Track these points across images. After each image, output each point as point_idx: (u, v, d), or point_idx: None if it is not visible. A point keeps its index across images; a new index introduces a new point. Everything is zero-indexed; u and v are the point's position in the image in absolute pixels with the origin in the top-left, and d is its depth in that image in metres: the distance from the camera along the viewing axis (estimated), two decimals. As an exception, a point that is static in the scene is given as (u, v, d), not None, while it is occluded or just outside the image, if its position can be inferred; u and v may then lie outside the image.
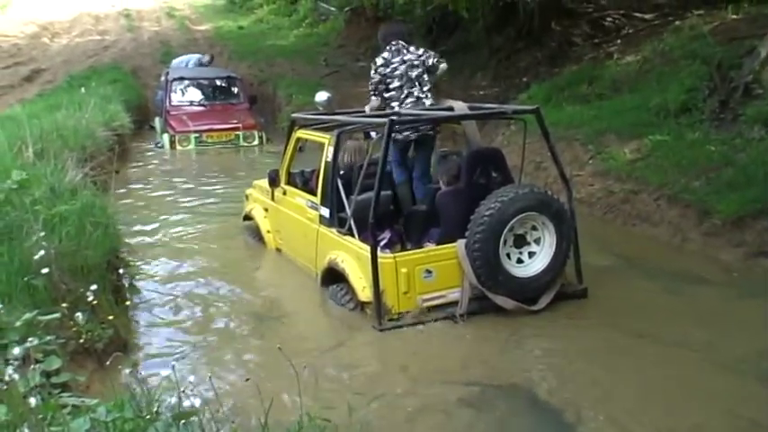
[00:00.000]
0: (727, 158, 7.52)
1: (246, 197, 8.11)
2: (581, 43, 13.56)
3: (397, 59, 6.54)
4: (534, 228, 5.57)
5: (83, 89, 13.93)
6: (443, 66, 6.81)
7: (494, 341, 5.20)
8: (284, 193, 7.05)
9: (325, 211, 6.13)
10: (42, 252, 4.47)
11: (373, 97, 6.73)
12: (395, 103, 6.53)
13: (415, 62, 6.56)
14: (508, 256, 5.50)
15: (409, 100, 6.51)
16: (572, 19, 14.35)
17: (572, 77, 11.74)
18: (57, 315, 4.07)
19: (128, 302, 5.75)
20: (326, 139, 6.26)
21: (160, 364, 4.86)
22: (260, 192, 7.72)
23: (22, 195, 5.56)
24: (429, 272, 5.46)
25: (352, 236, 5.76)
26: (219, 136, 14.31)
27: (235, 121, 14.44)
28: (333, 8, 25.34)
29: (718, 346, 4.94)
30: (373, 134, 7.01)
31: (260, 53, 22.13)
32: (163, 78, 15.86)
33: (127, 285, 6.00)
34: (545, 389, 4.50)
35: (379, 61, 6.60)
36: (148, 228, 8.56)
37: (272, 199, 7.29)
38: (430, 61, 6.68)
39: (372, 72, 6.65)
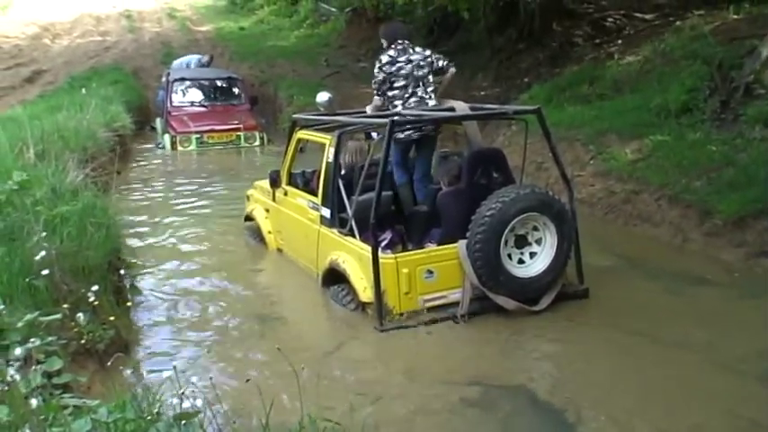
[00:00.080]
0: (728, 158, 7.52)
1: (247, 198, 8.11)
2: (582, 44, 13.57)
3: (404, 59, 6.50)
4: (535, 228, 5.57)
5: (84, 90, 13.95)
6: (453, 70, 6.79)
7: (495, 341, 5.20)
8: (285, 194, 7.05)
9: (327, 212, 6.13)
10: (43, 253, 4.47)
11: (376, 97, 6.66)
12: (398, 102, 6.50)
13: (422, 63, 6.53)
14: (509, 256, 5.50)
15: (413, 99, 6.49)
16: (573, 19, 14.37)
17: (573, 78, 11.74)
18: (58, 316, 4.07)
19: (129, 303, 5.75)
20: (327, 139, 6.26)
21: (161, 365, 4.86)
22: (261, 192, 7.72)
23: (23, 196, 5.56)
24: (430, 272, 5.46)
25: (354, 236, 5.76)
26: (220, 137, 14.32)
27: (236, 122, 14.44)
28: (334, 9, 25.36)
29: (719, 346, 4.94)
30: (374, 135, 7.01)
31: (261, 54, 22.14)
32: (164, 79, 15.87)
33: (128, 286, 6.01)
34: (546, 389, 4.50)
35: (385, 59, 6.52)
36: (149, 228, 8.57)
37: (273, 200, 7.29)
38: (440, 63, 6.66)
39: (376, 70, 6.56)
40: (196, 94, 15.48)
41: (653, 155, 8.23)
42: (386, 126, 5.50)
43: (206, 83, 15.82)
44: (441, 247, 5.65)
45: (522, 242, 5.57)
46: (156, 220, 8.98)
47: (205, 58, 17.51)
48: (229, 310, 5.99)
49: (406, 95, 6.48)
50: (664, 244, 7.25)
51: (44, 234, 4.86)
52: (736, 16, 10.92)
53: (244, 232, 8.13)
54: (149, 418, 2.88)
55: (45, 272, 4.38)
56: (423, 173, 6.70)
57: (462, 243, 5.43)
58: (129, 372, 4.18)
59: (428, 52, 6.66)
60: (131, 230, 7.99)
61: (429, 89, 6.57)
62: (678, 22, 11.71)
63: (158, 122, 15.02)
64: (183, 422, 2.85)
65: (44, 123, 9.38)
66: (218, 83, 16.00)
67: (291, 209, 6.90)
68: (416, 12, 17.66)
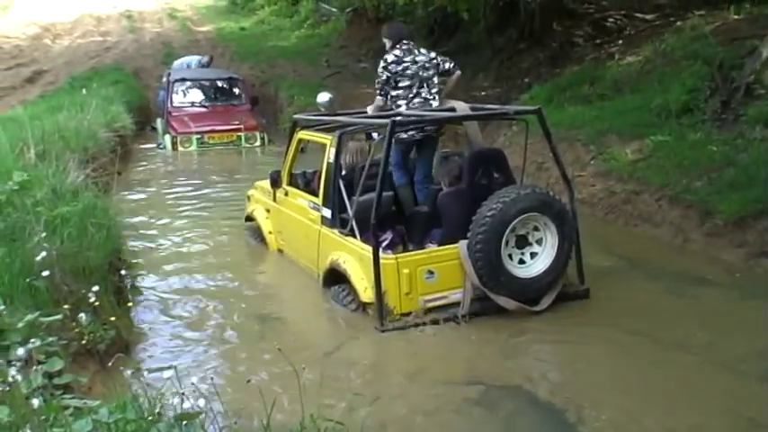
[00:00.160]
0: (728, 159, 7.52)
1: (248, 198, 8.11)
2: (582, 44, 13.57)
3: (409, 59, 6.48)
4: (536, 228, 5.57)
5: (84, 90, 13.95)
6: (458, 72, 6.80)
7: (496, 342, 5.20)
8: (286, 194, 7.06)
9: (327, 212, 6.13)
10: (44, 253, 4.47)
11: (378, 97, 6.63)
12: (401, 102, 6.48)
13: (427, 64, 6.52)
14: (510, 256, 5.50)
15: (417, 100, 6.48)
16: (573, 19, 14.37)
17: (573, 78, 11.75)
18: (59, 316, 4.07)
19: (130, 304, 5.75)
20: (328, 140, 6.26)
21: (162, 365, 4.87)
22: (262, 193, 7.72)
23: (23, 197, 5.57)
24: (431, 273, 5.46)
25: (354, 237, 5.76)
26: (221, 137, 14.31)
27: (236, 123, 14.43)
28: (334, 9, 25.36)
29: (719, 346, 4.94)
30: (375, 135, 7.01)
31: (261, 54, 22.14)
32: (164, 79, 15.85)
33: (129, 286, 6.01)
34: (547, 389, 4.50)
35: (390, 58, 6.49)
36: (150, 229, 8.57)
37: (274, 200, 7.29)
38: (446, 65, 6.65)
39: (380, 69, 6.53)
40: (197, 95, 15.46)
41: (653, 155, 8.23)
42: (387, 126, 5.50)
43: (207, 83, 15.80)
44: (441, 247, 5.64)
45: (522, 242, 5.57)
46: (157, 220, 8.99)
47: (205, 59, 17.51)
48: (230, 311, 5.99)
49: (411, 95, 6.47)
50: (664, 244, 7.25)
51: (45, 234, 4.86)
52: (736, 16, 10.92)
53: (244, 233, 8.13)
54: (150, 418, 2.88)
55: (46, 272, 4.37)
56: (424, 173, 6.69)
57: (463, 243, 5.43)
58: (129, 372, 4.18)
59: (433, 54, 6.66)
60: (132, 231, 7.99)
61: (433, 90, 6.56)
62: (679, 23, 11.70)
63: (159, 123, 15.01)
64: (185, 422, 2.85)
65: (45, 124, 9.39)
66: (219, 83, 15.99)
67: (292, 209, 6.90)
68: (417, 12, 17.66)
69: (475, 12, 14.50)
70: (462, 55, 14.91)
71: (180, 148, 14.02)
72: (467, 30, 16.58)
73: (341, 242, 5.87)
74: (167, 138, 14.18)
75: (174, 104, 14.94)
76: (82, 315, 4.19)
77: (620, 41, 12.78)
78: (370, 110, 6.81)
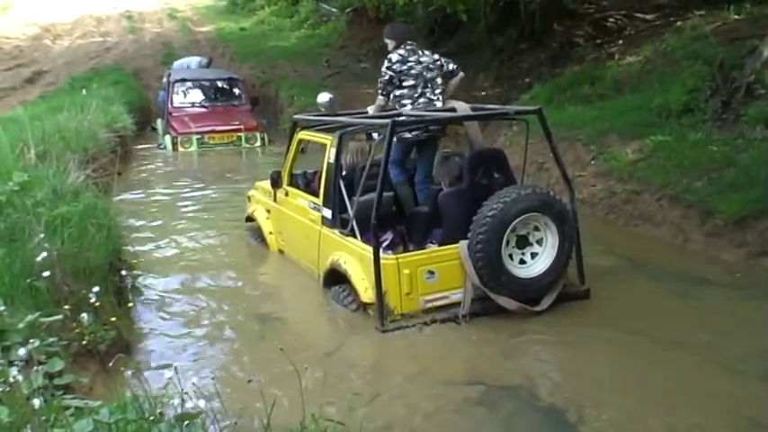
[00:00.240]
0: (729, 159, 7.52)
1: (248, 199, 8.11)
2: (583, 44, 13.57)
3: (414, 59, 6.48)
4: (537, 228, 5.57)
5: (84, 91, 13.96)
6: (461, 74, 6.81)
7: (496, 342, 5.20)
8: (286, 195, 7.06)
9: (328, 213, 6.13)
10: (44, 254, 4.47)
11: (380, 97, 6.62)
12: (406, 101, 6.47)
13: (431, 66, 6.52)
14: (510, 256, 5.50)
15: (422, 100, 6.48)
16: (574, 20, 14.37)
17: (574, 78, 11.74)
18: (59, 317, 4.08)
19: (130, 304, 5.75)
20: (329, 140, 6.26)
21: (163, 366, 4.86)
22: (262, 193, 7.72)
23: (24, 197, 5.57)
24: (431, 273, 5.46)
25: (355, 237, 5.76)
26: (221, 137, 14.32)
27: (237, 123, 14.44)
28: (334, 9, 25.36)
29: (720, 346, 4.94)
30: (375, 135, 7.00)
31: (262, 54, 22.15)
32: (165, 80, 15.87)
33: (129, 287, 6.01)
34: (547, 389, 4.50)
35: (395, 57, 6.48)
36: (151, 229, 8.57)
37: (275, 200, 7.29)
38: (449, 67, 6.66)
39: (384, 68, 6.51)
40: (197, 95, 15.47)
41: (654, 155, 8.23)
42: (387, 127, 5.50)
43: (207, 83, 15.81)
44: (442, 247, 5.64)
45: (523, 242, 5.57)
46: (157, 220, 8.99)
47: (204, 61, 17.52)
48: (230, 311, 6.00)
49: (415, 95, 6.47)
50: (665, 244, 7.25)
51: (45, 235, 4.86)
52: (736, 16, 10.92)
53: (245, 233, 8.13)
54: (151, 418, 2.88)
55: (46, 273, 4.37)
56: (425, 174, 6.69)
57: (464, 243, 5.43)
58: (130, 372, 4.17)
59: (437, 56, 6.67)
60: (132, 231, 7.99)
61: (437, 91, 6.56)
62: (679, 23, 11.70)
63: (159, 123, 15.02)
64: (185, 423, 2.85)
65: (45, 124, 9.40)
66: (219, 83, 16.00)
67: (293, 209, 6.90)
68: (417, 12, 17.66)
69: (475, 12, 14.50)
70: (463, 55, 14.91)
71: (180, 149, 14.02)
72: (467, 30, 16.59)
73: (341, 242, 5.87)
74: (167, 138, 14.19)
75: (175, 105, 14.95)
76: (82, 315, 4.19)
77: (621, 41, 12.79)
78: (370, 110, 6.81)
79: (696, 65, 9.35)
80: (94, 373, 4.38)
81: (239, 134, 14.29)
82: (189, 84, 15.51)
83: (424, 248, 5.83)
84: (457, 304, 5.46)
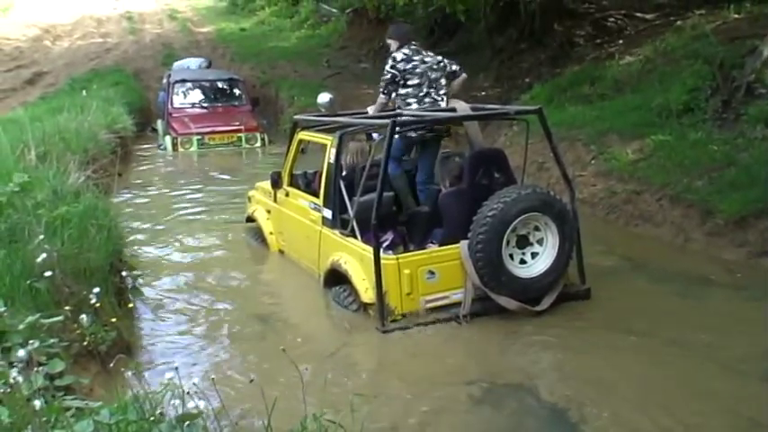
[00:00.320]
0: (729, 158, 7.51)
1: (249, 199, 8.11)
2: (583, 44, 13.58)
3: (418, 58, 6.48)
4: (537, 228, 5.57)
5: (85, 92, 13.96)
6: (464, 75, 6.82)
7: (497, 342, 5.20)
8: (287, 195, 7.06)
9: (328, 213, 6.13)
10: (45, 255, 4.47)
11: (382, 95, 6.60)
12: (412, 100, 6.46)
13: (435, 66, 6.52)
14: (511, 256, 5.50)
15: (427, 100, 6.47)
16: (574, 19, 14.38)
17: (574, 78, 11.74)
18: (60, 318, 4.07)
19: (131, 305, 5.74)
20: (329, 140, 6.26)
21: (163, 366, 4.87)
22: (262, 194, 7.72)
23: (24, 198, 5.57)
24: (432, 273, 5.45)
25: (355, 237, 5.76)
26: (222, 138, 14.33)
27: (237, 123, 14.45)
28: (334, 10, 25.37)
29: (720, 346, 4.94)
30: (375, 135, 7.00)
31: (262, 55, 22.15)
32: (165, 81, 15.87)
33: (130, 288, 6.00)
34: (549, 388, 4.50)
35: (400, 56, 6.47)
36: (151, 230, 8.57)
37: (275, 201, 7.29)
38: (453, 67, 6.66)
39: (388, 67, 6.49)
40: (197, 96, 15.47)
41: (654, 155, 8.23)
42: (387, 127, 5.49)
43: (207, 84, 15.81)
44: (442, 247, 5.64)
45: (523, 242, 5.57)
46: (157, 221, 8.98)
47: (204, 64, 17.52)
48: (231, 311, 6.00)
49: (421, 94, 6.46)
50: (665, 244, 7.24)
51: (45, 236, 4.85)
52: (737, 16, 10.92)
53: (245, 233, 8.13)
54: (152, 419, 2.88)
55: (46, 274, 4.37)
56: (426, 174, 6.68)
57: (464, 243, 5.43)
58: (131, 373, 4.17)
59: (440, 57, 6.68)
60: (133, 232, 7.99)
61: (441, 92, 6.56)
62: (679, 22, 11.71)
63: (159, 124, 15.03)
64: (186, 423, 2.84)
65: (45, 125, 9.40)
66: (219, 84, 16.00)
67: (293, 210, 6.90)
68: (417, 12, 17.66)
69: (475, 12, 14.50)
70: (463, 55, 14.92)
71: (180, 149, 14.03)
72: (467, 30, 16.60)
73: (342, 243, 5.87)
74: (168, 139, 14.19)
75: (175, 105, 14.96)
76: (83, 316, 4.19)
77: (621, 41, 12.79)
78: (371, 110, 6.80)
79: (696, 64, 9.35)
80: (95, 374, 4.38)
81: (239, 135, 14.29)
82: (189, 84, 15.52)
83: (424, 248, 5.83)
84: (457, 304, 5.46)
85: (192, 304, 6.14)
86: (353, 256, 5.69)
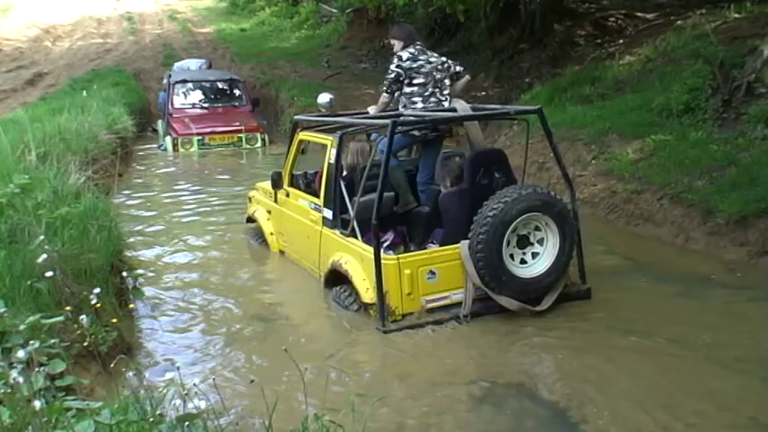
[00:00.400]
0: (730, 158, 7.52)
1: (249, 199, 8.11)
2: (583, 44, 13.59)
3: (423, 58, 6.47)
4: (537, 228, 5.56)
5: (85, 92, 13.96)
6: (467, 76, 6.83)
7: (498, 342, 5.19)
8: (287, 195, 7.06)
9: (328, 213, 6.13)
10: (45, 255, 4.45)
11: (385, 94, 6.58)
12: (417, 99, 6.44)
13: (439, 66, 6.51)
14: (511, 256, 5.50)
15: (432, 99, 6.46)
16: (574, 19, 14.39)
17: (574, 78, 11.75)
18: (60, 318, 4.07)
19: (131, 305, 5.75)
20: (329, 140, 6.26)
21: (164, 367, 4.88)
22: (263, 194, 7.72)
23: (24, 199, 5.57)
24: (432, 273, 5.45)
25: (356, 237, 5.76)
26: (222, 138, 14.32)
27: (237, 124, 14.44)
28: (335, 10, 25.38)
29: (721, 345, 4.94)
30: (374, 135, 6.99)
31: (262, 55, 22.17)
32: (165, 81, 15.87)
33: (130, 288, 6.00)
34: (550, 388, 4.50)
35: (405, 55, 6.44)
36: (151, 231, 8.57)
37: (275, 201, 7.29)
38: (457, 68, 6.66)
39: (393, 66, 6.46)
40: (197, 96, 15.48)
41: (655, 154, 8.23)
42: (387, 127, 5.49)
43: (207, 85, 15.82)
44: (443, 247, 5.64)
45: (524, 242, 5.57)
46: (158, 222, 8.99)
47: (204, 65, 17.53)
48: (231, 312, 5.99)
49: (426, 94, 6.44)
50: (666, 243, 7.24)
51: (45, 237, 4.85)
52: (737, 15, 10.93)
53: (246, 234, 8.13)
54: (152, 419, 2.87)
55: (47, 274, 4.37)
56: (427, 174, 6.67)
57: (464, 243, 5.42)
58: (131, 374, 4.18)
59: (444, 58, 6.67)
60: (133, 233, 7.99)
61: (445, 92, 6.55)
62: (679, 22, 11.72)
63: (160, 124, 15.03)
64: (186, 424, 2.84)
65: (45, 126, 9.40)
66: (220, 85, 16.01)
67: (293, 210, 6.90)
68: (417, 12, 17.68)
69: (475, 12, 14.51)
70: (463, 55, 14.95)
71: (181, 150, 14.02)
72: (467, 30, 16.61)
73: (342, 243, 5.87)
74: (168, 139, 14.19)
75: (175, 106, 14.96)
76: (83, 317, 4.17)
77: (621, 41, 12.80)
78: (371, 110, 6.79)
79: (697, 64, 9.36)
80: (96, 375, 4.38)
81: (240, 135, 14.29)
82: (189, 85, 15.52)
83: (424, 249, 5.83)
84: (458, 304, 5.46)
85: (192, 305, 6.14)
86: (354, 257, 5.69)
